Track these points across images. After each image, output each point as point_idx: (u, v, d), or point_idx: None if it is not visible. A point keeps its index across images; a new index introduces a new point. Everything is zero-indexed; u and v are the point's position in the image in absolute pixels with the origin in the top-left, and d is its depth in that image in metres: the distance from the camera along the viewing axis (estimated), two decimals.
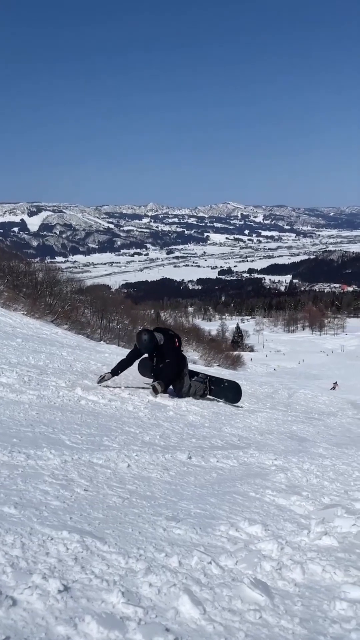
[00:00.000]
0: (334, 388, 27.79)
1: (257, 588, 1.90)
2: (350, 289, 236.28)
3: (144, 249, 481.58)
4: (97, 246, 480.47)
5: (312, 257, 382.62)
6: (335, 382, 32.76)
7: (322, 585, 2.11)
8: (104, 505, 2.58)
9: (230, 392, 7.56)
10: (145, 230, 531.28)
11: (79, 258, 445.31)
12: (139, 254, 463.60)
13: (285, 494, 3.28)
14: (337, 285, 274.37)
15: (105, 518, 2.42)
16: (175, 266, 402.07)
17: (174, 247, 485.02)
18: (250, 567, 2.11)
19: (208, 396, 7.52)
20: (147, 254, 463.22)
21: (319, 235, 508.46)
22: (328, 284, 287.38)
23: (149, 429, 4.67)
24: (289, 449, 4.99)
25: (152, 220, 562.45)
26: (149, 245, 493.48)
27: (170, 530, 2.38)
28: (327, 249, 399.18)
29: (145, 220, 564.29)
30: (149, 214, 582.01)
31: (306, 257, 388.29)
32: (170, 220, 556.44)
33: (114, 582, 1.82)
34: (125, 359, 7.11)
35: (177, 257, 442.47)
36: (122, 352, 12.88)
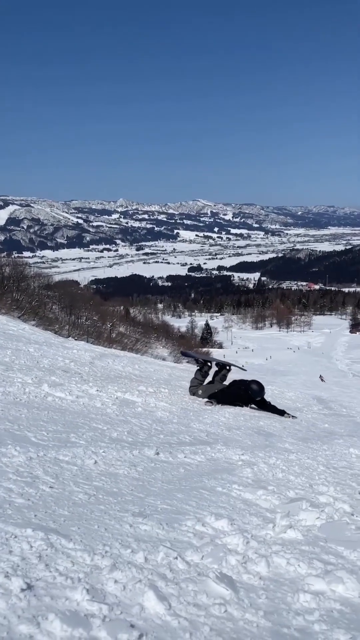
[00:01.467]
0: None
1: (222, 582, 1.91)
2: (316, 287, 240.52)
3: (114, 245, 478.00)
4: (65, 241, 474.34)
5: (280, 255, 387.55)
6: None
7: (287, 578, 2.14)
8: (70, 502, 2.55)
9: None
10: (114, 226, 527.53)
11: (47, 253, 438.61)
12: (109, 250, 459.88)
13: (251, 488, 3.31)
14: (304, 283, 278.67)
15: (70, 515, 2.39)
16: (145, 262, 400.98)
17: (143, 243, 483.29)
18: (216, 561, 2.12)
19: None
20: (116, 250, 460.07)
21: (287, 233, 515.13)
22: (295, 282, 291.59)
23: (116, 426, 4.65)
24: (256, 444, 5.04)
25: (122, 216, 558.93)
26: (118, 241, 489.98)
27: (137, 526, 2.37)
28: (295, 248, 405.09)
29: (115, 216, 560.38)
30: (119, 209, 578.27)
31: (274, 255, 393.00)
32: (140, 217, 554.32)
33: (78, 579, 1.80)
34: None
35: (147, 254, 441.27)
36: (91, 349, 12.79)
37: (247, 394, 7.88)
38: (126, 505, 2.64)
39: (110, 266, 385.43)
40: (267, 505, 3.06)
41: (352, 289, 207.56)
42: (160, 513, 2.58)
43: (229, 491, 3.20)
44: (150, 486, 3.04)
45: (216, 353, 57.78)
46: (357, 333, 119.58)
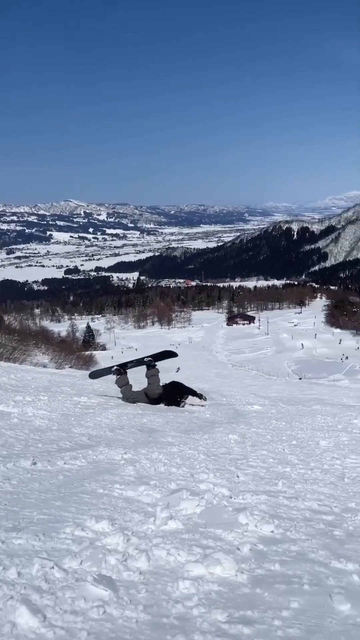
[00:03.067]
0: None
1: (100, 584, 1.88)
2: (193, 283, 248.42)
3: None
4: None
5: (156, 254, 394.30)
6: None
7: (167, 568, 2.17)
8: None
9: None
10: None
11: None
12: None
13: (133, 485, 3.32)
14: (181, 280, 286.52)
15: None
16: (17, 267, 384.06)
17: (14, 246, 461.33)
18: (95, 564, 2.09)
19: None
20: None
21: (162, 232, 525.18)
22: (173, 280, 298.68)
23: None
24: (139, 442, 5.06)
25: None
26: None
27: (10, 541, 2.25)
28: (171, 246, 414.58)
29: None
30: None
31: (151, 254, 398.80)
32: (8, 219, 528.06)
33: None
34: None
35: (18, 257, 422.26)
36: None
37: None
38: None
39: None
40: (149, 500, 3.08)
41: (226, 284, 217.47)
42: (36, 524, 2.48)
43: (111, 491, 3.18)
44: (26, 498, 2.91)
45: (100, 355, 57.23)
46: (234, 325, 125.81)
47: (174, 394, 8.84)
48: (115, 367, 9.09)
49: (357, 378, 36.42)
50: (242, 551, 2.40)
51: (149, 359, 9.09)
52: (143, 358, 9.24)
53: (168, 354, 9.80)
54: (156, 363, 9.09)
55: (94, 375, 10.22)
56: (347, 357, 59.83)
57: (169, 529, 2.60)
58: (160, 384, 8.87)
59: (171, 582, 2.02)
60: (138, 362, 9.22)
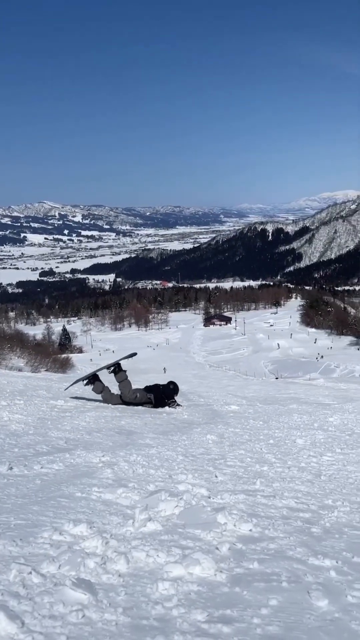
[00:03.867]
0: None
1: (79, 588, 1.86)
2: (170, 284, 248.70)
3: None
4: None
5: (133, 255, 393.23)
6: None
7: (146, 570, 2.16)
8: None
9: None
10: None
11: None
12: None
13: (111, 488, 3.30)
14: (158, 282, 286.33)
15: None
16: None
17: None
18: (73, 568, 2.07)
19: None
20: None
21: (138, 234, 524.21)
22: (150, 281, 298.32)
23: None
24: (117, 444, 5.04)
25: None
26: None
27: None
28: (147, 248, 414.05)
29: None
30: None
31: (127, 255, 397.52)
32: None
33: None
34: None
35: None
36: None
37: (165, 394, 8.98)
38: None
39: None
40: (128, 503, 3.07)
41: (203, 285, 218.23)
42: (13, 530, 2.45)
43: (89, 495, 3.15)
44: (2, 503, 2.86)
45: (77, 358, 56.81)
46: (211, 326, 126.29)
47: (170, 394, 9.10)
48: (84, 381, 9.23)
49: (332, 377, 36.94)
50: (221, 551, 2.41)
51: (111, 365, 9.19)
52: (107, 365, 9.28)
53: (129, 356, 10.21)
54: (123, 368, 9.10)
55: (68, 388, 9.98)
56: (322, 356, 60.68)
57: (148, 531, 2.59)
58: (135, 387, 8.99)
59: (150, 584, 2.02)
60: (105, 367, 9.31)
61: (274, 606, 1.91)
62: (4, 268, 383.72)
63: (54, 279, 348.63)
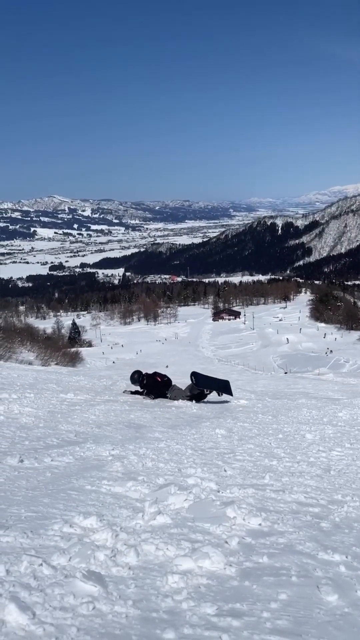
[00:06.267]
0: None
1: (90, 580, 1.88)
2: (179, 279, 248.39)
3: None
4: None
5: (142, 250, 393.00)
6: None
7: (156, 563, 2.17)
8: None
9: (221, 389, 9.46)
10: None
11: None
12: None
13: (121, 481, 3.31)
14: (167, 276, 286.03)
15: None
16: (1, 263, 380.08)
17: None
18: (83, 560, 2.08)
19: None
20: None
21: (147, 228, 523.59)
22: (159, 275, 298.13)
23: None
24: (127, 438, 5.06)
25: None
26: None
27: None
28: (156, 242, 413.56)
29: None
30: None
31: (136, 250, 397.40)
32: None
33: None
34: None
35: (2, 254, 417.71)
36: None
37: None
38: None
39: None
40: (137, 496, 3.08)
41: (212, 279, 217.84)
42: (24, 522, 2.47)
43: (98, 487, 3.17)
44: (13, 495, 2.89)
45: (86, 352, 57.06)
46: (219, 320, 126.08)
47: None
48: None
49: (341, 372, 36.78)
50: (230, 544, 2.41)
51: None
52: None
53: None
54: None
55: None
56: (331, 351, 60.39)
57: (158, 524, 2.60)
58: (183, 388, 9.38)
59: (160, 577, 2.03)
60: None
61: (283, 600, 1.91)
62: (14, 262, 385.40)
63: (63, 273, 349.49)
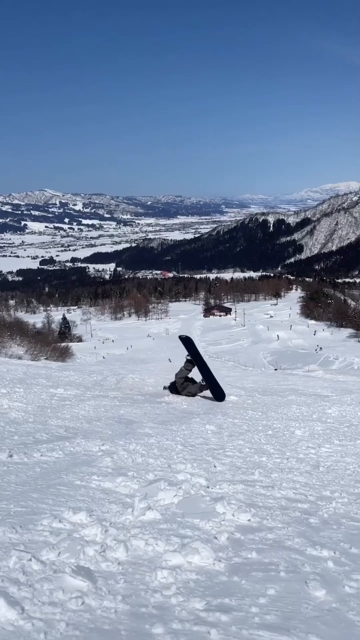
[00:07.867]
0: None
1: (79, 575, 1.88)
2: (170, 274, 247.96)
3: None
4: None
5: (133, 245, 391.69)
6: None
7: (145, 558, 2.18)
8: None
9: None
10: None
11: None
12: None
13: (111, 477, 3.31)
14: (158, 272, 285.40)
15: None
16: None
17: None
18: (73, 555, 2.08)
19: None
20: None
21: (139, 223, 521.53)
22: (150, 271, 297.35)
23: None
24: (117, 433, 5.06)
25: None
26: None
27: None
28: (147, 237, 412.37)
29: None
30: None
31: (128, 245, 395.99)
32: None
33: None
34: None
35: None
36: None
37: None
38: None
39: None
40: (127, 491, 3.09)
41: (203, 275, 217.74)
42: (13, 517, 2.46)
43: (88, 483, 3.17)
44: (2, 490, 2.88)
45: (77, 347, 56.87)
46: (210, 317, 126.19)
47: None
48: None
49: (331, 369, 36.98)
50: (219, 540, 2.42)
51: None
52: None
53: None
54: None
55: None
56: (321, 348, 60.70)
57: (147, 520, 2.61)
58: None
59: (149, 572, 2.03)
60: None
61: (271, 595, 1.93)
62: (4, 256, 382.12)
63: (54, 268, 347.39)
